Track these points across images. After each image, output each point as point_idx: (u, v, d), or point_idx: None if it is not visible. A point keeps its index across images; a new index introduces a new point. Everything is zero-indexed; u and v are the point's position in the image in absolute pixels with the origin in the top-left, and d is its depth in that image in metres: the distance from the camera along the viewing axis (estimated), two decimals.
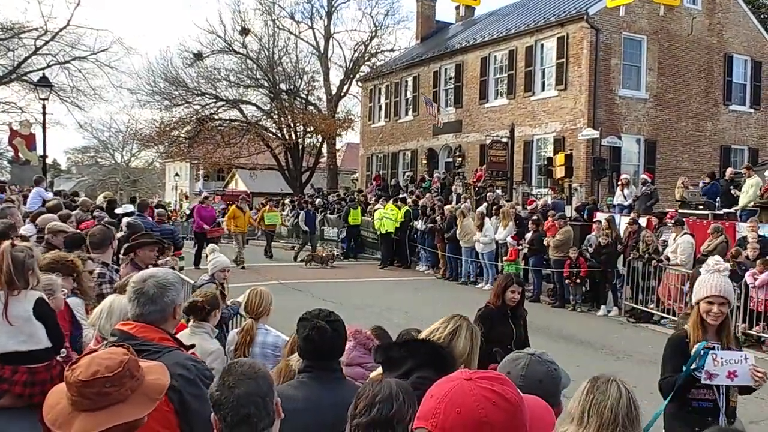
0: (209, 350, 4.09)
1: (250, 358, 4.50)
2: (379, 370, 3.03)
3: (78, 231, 6.82)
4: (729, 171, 16.26)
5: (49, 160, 24.23)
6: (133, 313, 2.80)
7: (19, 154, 21.23)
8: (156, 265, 6.79)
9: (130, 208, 13.32)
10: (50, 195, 13.77)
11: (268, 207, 22.38)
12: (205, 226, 16.87)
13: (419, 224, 17.94)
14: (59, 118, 45.79)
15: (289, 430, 2.64)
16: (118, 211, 12.46)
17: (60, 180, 56.61)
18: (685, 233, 12.35)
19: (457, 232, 15.84)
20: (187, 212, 31.25)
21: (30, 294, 3.43)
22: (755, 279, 10.30)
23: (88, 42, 35.01)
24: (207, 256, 7.03)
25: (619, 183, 17.11)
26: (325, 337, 2.79)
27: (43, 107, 19.85)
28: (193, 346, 3.14)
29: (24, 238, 6.41)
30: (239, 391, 2.02)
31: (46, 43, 30.17)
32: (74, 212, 9.36)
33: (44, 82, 20.51)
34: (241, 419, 2.02)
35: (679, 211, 14.65)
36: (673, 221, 12.79)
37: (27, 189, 15.11)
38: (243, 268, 16.88)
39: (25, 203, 12.57)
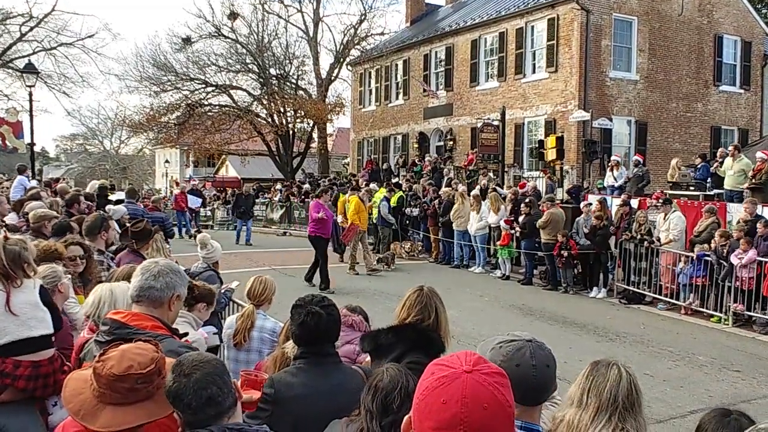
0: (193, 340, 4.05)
1: (247, 343, 4.55)
2: (367, 357, 3.03)
3: (65, 218, 6.79)
4: (720, 152, 16.27)
5: (37, 148, 24.02)
6: (135, 287, 2.81)
7: (6, 142, 21.02)
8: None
9: (121, 195, 13.28)
10: (33, 183, 13.68)
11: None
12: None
13: (414, 211, 17.94)
14: (47, 106, 45.61)
15: (289, 417, 2.64)
16: (112, 198, 12.40)
17: (49, 168, 56.25)
18: (675, 210, 12.41)
19: (451, 214, 15.85)
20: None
21: (32, 282, 3.41)
22: (740, 259, 10.37)
23: (75, 28, 34.73)
24: (199, 245, 6.84)
25: (609, 165, 17.12)
26: (321, 322, 2.79)
27: (30, 94, 19.56)
28: (186, 333, 3.12)
29: (13, 228, 6.37)
30: (197, 376, 2.03)
31: (32, 29, 29.81)
32: (47, 200, 9.16)
33: (30, 69, 20.22)
34: (206, 401, 2.01)
35: (671, 192, 14.68)
36: (661, 201, 12.80)
37: (15, 177, 15.00)
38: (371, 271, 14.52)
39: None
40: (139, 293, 2.80)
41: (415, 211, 17.92)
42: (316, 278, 12.57)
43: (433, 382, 1.41)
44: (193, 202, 22.08)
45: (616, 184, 16.37)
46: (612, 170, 16.69)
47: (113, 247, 6.71)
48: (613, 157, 17.64)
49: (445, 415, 1.36)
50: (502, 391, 1.40)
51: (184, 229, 21.21)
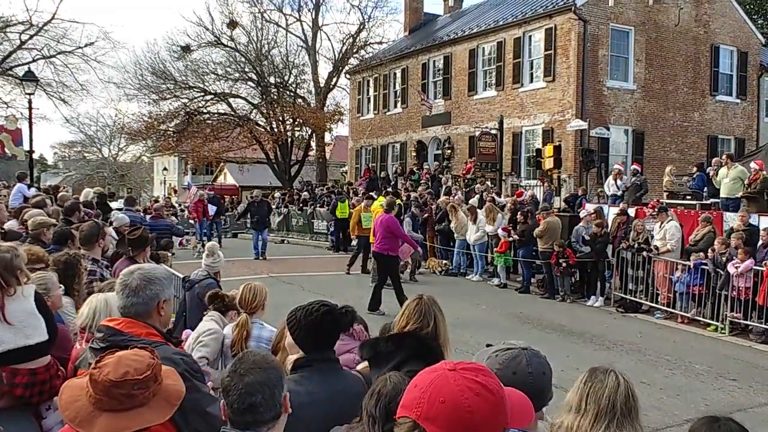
0: (209, 328, 4.52)
1: None
2: (365, 364, 3.04)
3: (65, 226, 6.78)
4: (714, 161, 16.33)
5: (35, 155, 23.98)
6: (119, 305, 2.83)
7: (6, 150, 21.03)
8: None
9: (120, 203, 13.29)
10: (33, 191, 13.66)
11: (364, 204, 16.16)
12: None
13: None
14: (46, 113, 45.46)
15: (294, 425, 2.65)
16: (113, 205, 12.40)
17: (47, 175, 56.19)
18: (671, 219, 12.44)
19: (452, 225, 15.88)
20: (177, 206, 30.98)
21: (26, 290, 3.37)
22: (737, 268, 10.40)
23: (74, 36, 34.69)
24: (206, 253, 6.92)
25: (613, 173, 17.08)
26: (321, 327, 2.80)
27: (29, 102, 19.59)
28: (181, 341, 3.14)
29: (14, 234, 6.38)
30: (248, 379, 2.03)
31: (31, 37, 29.83)
32: (50, 208, 9.17)
33: (30, 77, 20.26)
34: (247, 407, 2.02)
35: (667, 201, 14.74)
36: (656, 209, 12.85)
37: (14, 184, 15.00)
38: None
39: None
40: (124, 311, 2.82)
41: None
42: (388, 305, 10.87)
43: (422, 372, 1.53)
44: (209, 210, 21.46)
45: (618, 193, 16.34)
46: (616, 179, 16.66)
47: (109, 252, 6.72)
48: (616, 166, 17.64)
49: (409, 396, 1.48)
50: (473, 397, 1.41)
51: (205, 239, 19.13)
